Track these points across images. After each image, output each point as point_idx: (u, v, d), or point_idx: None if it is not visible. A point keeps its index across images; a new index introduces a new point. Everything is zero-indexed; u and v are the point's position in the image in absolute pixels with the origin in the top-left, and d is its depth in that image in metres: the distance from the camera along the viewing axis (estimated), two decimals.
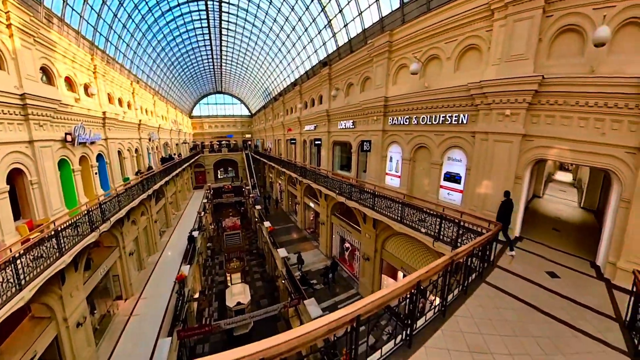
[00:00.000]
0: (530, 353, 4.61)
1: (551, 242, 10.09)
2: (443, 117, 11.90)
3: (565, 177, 29.50)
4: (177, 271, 16.61)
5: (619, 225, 7.69)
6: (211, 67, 45.48)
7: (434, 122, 12.34)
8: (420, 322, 4.91)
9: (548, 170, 22.69)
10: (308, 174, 22.22)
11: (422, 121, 12.91)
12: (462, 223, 8.91)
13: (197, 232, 22.77)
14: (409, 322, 4.31)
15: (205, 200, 36.30)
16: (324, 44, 23.48)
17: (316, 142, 23.58)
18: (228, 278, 21.79)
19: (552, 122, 8.76)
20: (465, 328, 4.98)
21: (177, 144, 40.31)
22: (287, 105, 33.65)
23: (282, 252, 18.70)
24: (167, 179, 24.99)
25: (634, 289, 5.41)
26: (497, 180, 9.80)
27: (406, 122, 13.81)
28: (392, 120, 14.63)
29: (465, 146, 11.25)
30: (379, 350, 4.09)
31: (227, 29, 33.65)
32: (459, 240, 8.88)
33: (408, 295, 4.06)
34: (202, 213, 29.56)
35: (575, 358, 4.67)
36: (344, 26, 19.95)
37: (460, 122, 11.26)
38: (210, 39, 35.93)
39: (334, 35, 21.69)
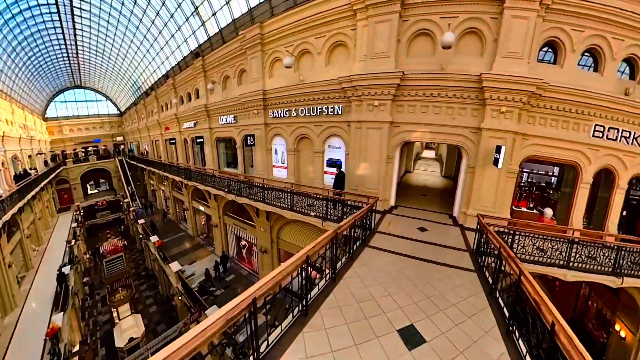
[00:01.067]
0: (404, 289, 5.56)
1: (421, 205, 11.98)
2: (320, 108, 12.02)
3: (429, 154, 36.37)
4: (47, 325, 12.16)
5: (467, 185, 9.74)
6: (65, 55, 35.14)
7: (312, 114, 12.34)
8: (314, 292, 5.22)
9: (416, 150, 26.99)
10: (194, 176, 19.67)
11: (302, 113, 12.74)
12: (346, 201, 9.75)
13: (68, 267, 17.57)
14: (304, 293, 4.57)
15: (74, 225, 27.50)
16: (194, 32, 20.74)
17: (198, 140, 21.00)
18: (115, 314, 17.32)
19: (414, 111, 9.98)
20: (353, 286, 5.56)
21: (30, 156, 30.09)
22: (162, 101, 29.03)
23: (174, 266, 16.17)
24: (20, 204, 18.36)
25: (478, 227, 7.39)
26: (373, 162, 10.69)
27: (286, 114, 13.37)
28: (273, 114, 13.95)
29: (342, 134, 11.70)
30: (279, 327, 4.18)
31: (80, 8, 26.36)
32: (344, 216, 9.47)
33: (300, 271, 4.29)
34: (73, 242, 22.45)
35: (440, 282, 5.93)
36: (212, 15, 17.88)
37: (336, 112, 11.58)
38: (60, 20, 27.61)
39: (203, 24, 19.30)
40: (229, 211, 19.61)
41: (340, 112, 11.36)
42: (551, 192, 13.03)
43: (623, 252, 8.05)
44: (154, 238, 20.12)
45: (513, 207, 10.81)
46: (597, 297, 13.25)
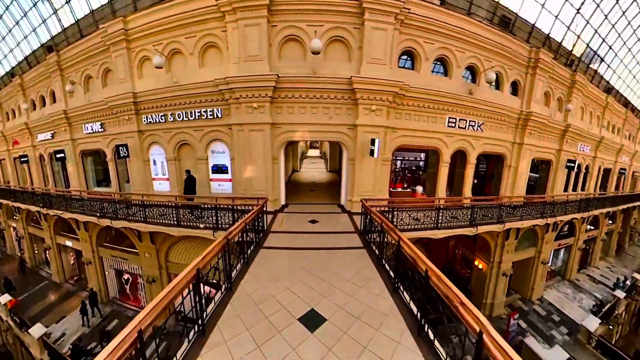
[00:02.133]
0: (302, 279, 5.56)
1: (310, 200, 12.30)
2: (199, 112, 10.91)
3: (315, 152, 38.65)
4: None
5: (350, 175, 10.34)
6: None
7: (191, 118, 11.13)
8: (210, 308, 4.74)
9: (301, 150, 28.07)
10: (55, 202, 15.18)
11: (179, 118, 11.34)
12: (235, 207, 9.03)
13: None
14: (199, 312, 4.02)
15: None
16: (44, 21, 16.55)
17: (58, 156, 16.46)
18: None
19: (293, 112, 9.89)
20: (250, 290, 5.22)
21: None
22: (6, 106, 22.35)
23: (36, 330, 11.53)
24: None
25: (363, 210, 8.07)
26: (258, 164, 10.28)
27: (162, 119, 11.71)
28: (148, 119, 12.02)
29: (225, 138, 10.89)
30: (174, 358, 3.52)
31: None
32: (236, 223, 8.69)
33: (191, 288, 3.76)
34: None
35: (334, 264, 6.22)
36: (67, 2, 14.50)
37: (216, 116, 10.67)
38: None
39: (56, 12, 15.52)
40: (105, 241, 15.80)
41: (220, 116, 10.50)
42: (421, 173, 15.16)
43: (476, 209, 10.48)
44: (4, 298, 14.60)
45: (391, 189, 12.31)
46: (460, 245, 17.96)
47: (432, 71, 10.89)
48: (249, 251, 6.78)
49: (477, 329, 2.52)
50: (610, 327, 15.90)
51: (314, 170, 22.31)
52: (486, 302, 15.18)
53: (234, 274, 5.62)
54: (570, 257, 21.23)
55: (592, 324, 13.71)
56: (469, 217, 10.28)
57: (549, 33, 14.56)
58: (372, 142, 9.25)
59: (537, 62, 12.89)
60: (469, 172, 12.40)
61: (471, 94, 11.14)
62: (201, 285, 3.94)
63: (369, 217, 7.52)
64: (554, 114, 15.28)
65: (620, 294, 17.10)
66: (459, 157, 12.53)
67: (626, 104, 25.40)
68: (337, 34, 9.40)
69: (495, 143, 12.88)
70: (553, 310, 17.05)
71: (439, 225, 9.40)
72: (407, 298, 4.62)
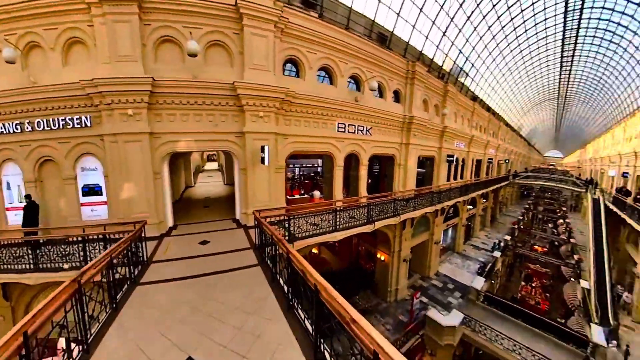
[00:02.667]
0: (182, 319, 4.65)
1: (203, 218, 11.02)
2: (63, 120, 8.96)
3: (212, 165, 36.18)
4: None
5: (243, 186, 9.67)
6: None
7: (54, 127, 9.09)
8: None
9: (196, 163, 26.21)
10: None
11: (39, 126, 9.18)
12: (108, 236, 7.37)
13: None
14: None
15: None
16: None
17: None
18: None
19: (174, 119, 8.87)
20: (114, 348, 3.98)
21: None
22: None
23: None
24: None
25: (256, 222, 7.43)
26: (138, 181, 8.82)
27: (17, 129, 9.34)
28: None
29: (97, 152, 9.13)
30: None
31: None
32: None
33: None
34: None
35: (223, 291, 5.53)
36: None
37: (84, 125, 8.90)
38: None
39: None
40: None
41: (90, 125, 8.78)
42: (319, 178, 15.79)
43: (371, 207, 10.99)
44: None
45: (288, 197, 12.22)
46: (363, 242, 19.12)
47: (319, 79, 11.20)
48: (120, 292, 5.44)
49: (372, 349, 2.27)
50: (492, 282, 19.09)
51: (210, 184, 20.72)
52: (391, 289, 16.50)
53: (95, 328, 4.29)
54: (457, 234, 24.98)
55: (479, 283, 16.12)
56: (365, 215, 10.82)
57: (422, 50, 16.74)
58: (262, 149, 8.93)
59: (414, 74, 14.55)
60: (363, 173, 13.22)
61: (357, 101, 11.83)
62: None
63: (262, 229, 7.13)
64: (433, 118, 17.58)
65: (497, 254, 20.62)
66: (352, 160, 13.24)
67: (488, 109, 31.11)
68: (216, 38, 8.83)
69: (385, 145, 14.08)
70: (448, 280, 19.70)
71: (337, 227, 9.59)
72: (303, 316, 4.29)
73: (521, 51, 30.12)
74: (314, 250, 20.77)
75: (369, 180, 14.47)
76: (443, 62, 19.17)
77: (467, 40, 20.60)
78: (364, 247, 19.79)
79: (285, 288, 5.04)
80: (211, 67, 8.87)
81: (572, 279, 19.38)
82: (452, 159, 19.39)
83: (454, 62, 20.80)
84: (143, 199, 8.74)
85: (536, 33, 27.64)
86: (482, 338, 13.19)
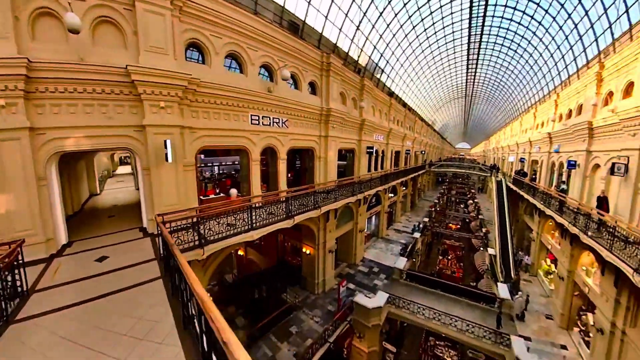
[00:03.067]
0: (60, 356, 4.12)
1: (107, 230, 9.89)
2: None
3: (126, 169, 33.12)
4: None
5: (148, 189, 8.87)
6: None
7: None
8: None
9: (104, 167, 23.63)
10: None
11: None
12: None
13: None
14: None
15: None
16: None
17: None
18: None
19: (60, 111, 7.74)
20: None
21: None
22: None
23: None
24: None
25: (159, 230, 6.72)
26: (17, 189, 7.40)
27: None
28: None
29: None
30: None
31: None
32: None
33: None
34: None
35: (115, 314, 5.01)
36: None
37: None
38: None
39: None
40: None
41: None
42: (238, 176, 15.63)
43: (291, 201, 11.20)
44: None
45: (201, 197, 11.79)
46: (289, 238, 20.06)
47: (227, 67, 10.91)
48: None
49: None
50: (414, 260, 21.72)
51: (120, 191, 18.77)
52: (318, 281, 17.39)
53: None
54: (380, 220, 27.51)
55: (401, 263, 18.20)
56: (284, 210, 10.97)
57: (337, 43, 17.85)
58: (165, 144, 8.38)
59: (329, 66, 15.36)
60: (282, 167, 13.42)
61: (270, 92, 11.92)
62: None
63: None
64: (351, 111, 18.97)
65: (416, 235, 23.83)
66: (270, 154, 13.39)
67: (404, 104, 34.72)
68: (104, 14, 7.94)
69: (304, 138, 14.63)
70: (373, 264, 21.71)
71: (254, 225, 9.53)
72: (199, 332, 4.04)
73: (432, 52, 34.38)
74: (240, 252, 20.65)
75: (290, 175, 14.92)
76: (358, 56, 20.76)
77: (380, 36, 22.66)
78: (290, 242, 20.49)
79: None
80: (101, 49, 7.98)
81: (481, 249, 23.75)
82: (371, 150, 21.24)
83: (369, 58, 22.70)
84: (25, 211, 7.38)
85: (444, 36, 31.91)
86: (406, 312, 14.91)
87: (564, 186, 17.77)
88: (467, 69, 42.56)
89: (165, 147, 8.39)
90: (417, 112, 42.23)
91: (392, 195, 31.46)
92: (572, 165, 16.52)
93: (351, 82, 18.59)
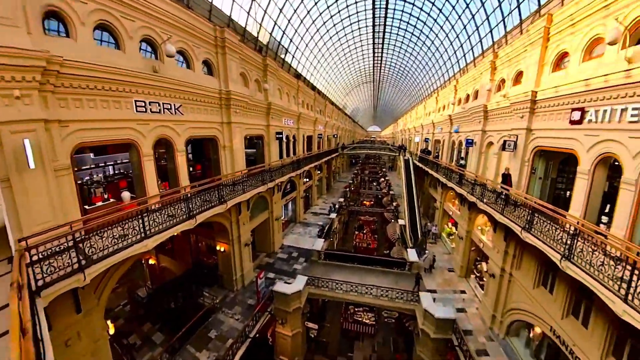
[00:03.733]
0: None
1: None
2: None
3: None
4: None
5: (10, 204, 7.19)
6: None
7: None
8: None
9: None
10: None
11: None
12: None
13: None
14: None
15: None
16: None
17: None
18: None
19: None
20: None
21: None
22: None
23: None
24: None
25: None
26: None
27: None
28: None
29: None
30: None
31: None
32: None
33: None
34: None
35: None
36: None
37: None
38: None
39: None
40: None
41: None
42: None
43: (192, 198, 10.93)
44: None
45: (86, 207, 10.58)
46: (202, 237, 19.88)
47: (98, 41, 9.53)
48: None
49: None
50: (332, 239, 23.76)
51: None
52: (236, 277, 17.49)
53: None
54: (297, 205, 28.88)
55: (319, 244, 19.93)
56: (185, 209, 10.48)
57: (231, 15, 17.37)
58: (24, 145, 6.93)
59: (224, 42, 14.64)
60: (181, 161, 12.63)
61: (156, 72, 10.88)
62: None
63: None
64: (255, 94, 18.96)
65: (333, 215, 26.21)
66: (167, 147, 12.52)
67: (314, 88, 36.21)
68: None
69: (203, 125, 14.06)
70: (293, 249, 22.83)
71: (148, 233, 8.93)
72: None
73: (337, 34, 36.40)
74: (152, 262, 19.53)
75: (198, 169, 14.26)
76: (258, 32, 20.70)
77: (280, 10, 22.87)
78: (204, 242, 20.03)
79: None
80: None
81: (393, 220, 27.79)
82: (281, 136, 21.81)
83: (271, 35, 22.83)
84: None
85: (349, 16, 34.01)
86: (325, 290, 16.53)
87: (462, 161, 21.59)
88: (374, 53, 46.47)
89: (25, 148, 7.01)
90: (327, 96, 44.41)
91: (307, 180, 33.00)
92: (469, 143, 19.98)
93: (252, 62, 18.42)
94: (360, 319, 18.95)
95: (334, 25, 33.95)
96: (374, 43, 42.53)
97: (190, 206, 10.83)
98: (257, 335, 14.59)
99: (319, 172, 37.41)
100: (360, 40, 40.96)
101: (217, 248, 17.40)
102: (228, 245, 17.01)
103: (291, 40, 26.73)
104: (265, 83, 20.01)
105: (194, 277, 17.63)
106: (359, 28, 37.49)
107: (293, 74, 28.02)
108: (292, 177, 25.15)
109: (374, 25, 37.39)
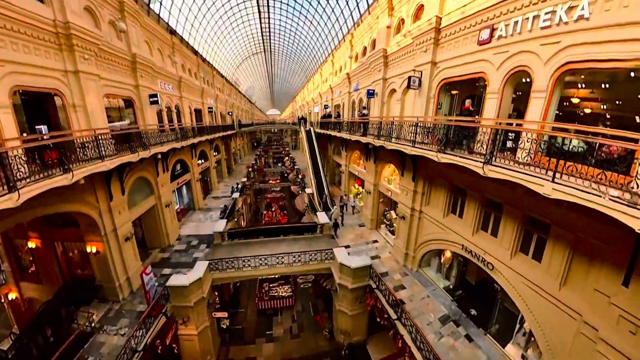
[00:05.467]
0: None
1: None
2: None
3: None
4: None
5: None
6: None
7: None
8: None
9: None
10: None
11: None
12: None
13: None
14: None
15: None
16: None
17: None
18: None
19: None
20: None
21: None
22: None
23: None
24: None
25: None
26: None
27: None
28: None
29: None
30: None
31: None
32: None
33: None
34: None
35: None
36: None
37: None
38: None
39: None
40: None
41: None
42: None
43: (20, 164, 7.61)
44: None
45: None
46: (70, 242, 15.21)
47: None
48: None
49: None
50: (236, 220, 21.77)
51: None
52: (120, 282, 13.91)
53: None
54: (193, 190, 25.50)
55: (220, 226, 17.99)
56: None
57: None
58: None
59: None
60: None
61: None
62: None
63: None
64: (113, 40, 14.80)
65: (235, 195, 24.29)
66: None
67: (196, 52, 31.93)
68: None
69: (35, 72, 9.99)
70: (192, 238, 19.95)
71: None
72: None
73: None
74: (13, 296, 14.69)
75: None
76: None
77: None
78: (76, 249, 15.30)
79: None
80: None
81: (300, 192, 27.69)
82: (156, 99, 17.70)
83: None
84: None
85: None
86: (232, 272, 14.79)
87: (365, 111, 21.11)
88: (260, 15, 43.15)
89: None
90: (214, 66, 40.15)
91: (203, 161, 29.40)
92: (370, 94, 19.51)
93: None
94: (276, 294, 18.42)
95: None
96: (258, 4, 39.53)
97: (13, 173, 7.27)
98: (159, 347, 11.96)
99: (216, 153, 33.87)
100: (243, 1, 37.57)
101: (88, 250, 13.35)
102: (102, 244, 13.26)
103: None
104: (122, 23, 15.39)
105: (66, 298, 13.25)
106: None
107: (165, 28, 23.53)
108: (180, 154, 21.67)
109: None
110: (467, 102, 11.42)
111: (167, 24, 24.37)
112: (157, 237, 18.65)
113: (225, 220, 18.87)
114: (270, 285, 18.60)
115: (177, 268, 16.12)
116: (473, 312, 12.61)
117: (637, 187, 5.01)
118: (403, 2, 16.24)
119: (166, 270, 15.93)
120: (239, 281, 18.40)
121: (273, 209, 28.22)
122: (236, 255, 15.26)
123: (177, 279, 13.01)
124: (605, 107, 9.69)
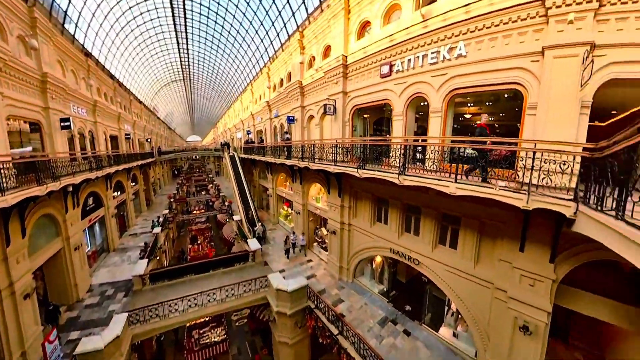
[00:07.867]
0: None
1: None
2: None
3: None
4: None
5: None
6: None
7: None
8: None
9: None
10: None
11: None
12: None
13: None
14: None
15: None
16: None
17: None
18: None
19: None
20: None
21: None
22: None
23: None
24: None
25: None
26: None
27: None
28: None
29: None
30: None
31: None
32: None
33: None
34: None
35: None
36: None
37: None
38: None
39: None
40: None
41: None
42: None
43: None
44: None
45: None
46: None
47: None
48: None
49: None
50: (157, 258, 19.81)
51: None
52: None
53: None
54: (108, 228, 22.67)
55: (141, 268, 16.29)
56: None
57: None
58: None
59: None
60: None
61: None
62: None
63: None
64: (22, 56, 13.87)
65: (157, 230, 22.13)
66: None
67: (112, 76, 30.54)
68: None
69: None
70: (107, 287, 17.36)
71: None
72: None
73: (138, 25, 32.11)
74: None
75: None
76: None
77: None
78: None
79: None
80: None
81: (228, 220, 26.83)
82: (68, 124, 16.34)
83: None
84: None
85: (148, 10, 30.47)
86: (156, 322, 13.34)
87: (288, 135, 22.27)
88: (179, 46, 43.47)
89: None
90: (132, 91, 38.52)
91: (119, 193, 27.28)
92: (291, 120, 20.86)
93: (10, 7, 12.79)
94: (208, 341, 16.78)
95: (134, 18, 30.31)
96: (176, 35, 39.95)
97: None
98: None
99: (133, 184, 31.63)
100: (162, 32, 37.47)
101: None
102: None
103: (71, 2, 21.23)
104: (33, 40, 13.75)
105: None
106: (159, 18, 34.18)
107: (80, 49, 22.49)
108: (94, 185, 20.09)
109: (173, 15, 34.42)
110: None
111: (83, 45, 23.17)
112: (63, 292, 15.63)
113: (147, 260, 17.07)
114: (201, 332, 16.98)
115: (88, 328, 13.64)
116: (408, 307, 13.99)
117: (518, 177, 7.07)
118: (312, 43, 18.67)
119: (74, 334, 13.22)
120: (163, 334, 16.07)
121: (199, 242, 27.08)
122: (161, 300, 13.74)
123: (89, 342, 10.86)
124: (492, 119, 13.29)
